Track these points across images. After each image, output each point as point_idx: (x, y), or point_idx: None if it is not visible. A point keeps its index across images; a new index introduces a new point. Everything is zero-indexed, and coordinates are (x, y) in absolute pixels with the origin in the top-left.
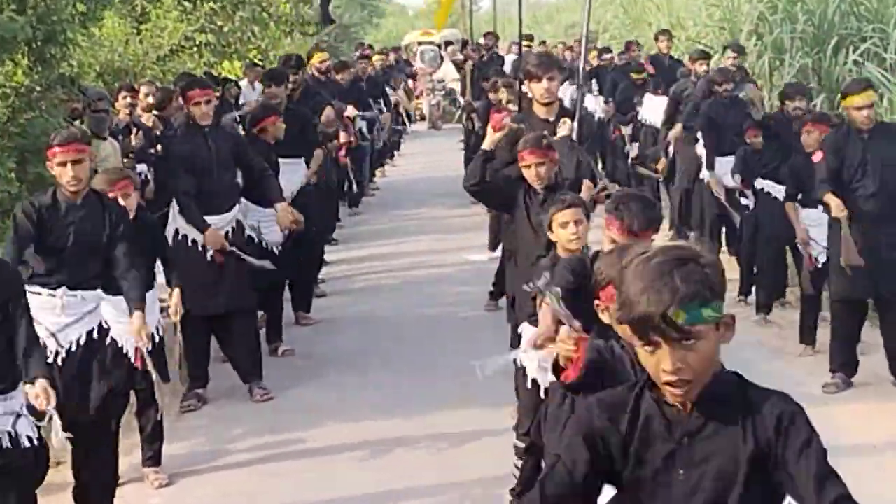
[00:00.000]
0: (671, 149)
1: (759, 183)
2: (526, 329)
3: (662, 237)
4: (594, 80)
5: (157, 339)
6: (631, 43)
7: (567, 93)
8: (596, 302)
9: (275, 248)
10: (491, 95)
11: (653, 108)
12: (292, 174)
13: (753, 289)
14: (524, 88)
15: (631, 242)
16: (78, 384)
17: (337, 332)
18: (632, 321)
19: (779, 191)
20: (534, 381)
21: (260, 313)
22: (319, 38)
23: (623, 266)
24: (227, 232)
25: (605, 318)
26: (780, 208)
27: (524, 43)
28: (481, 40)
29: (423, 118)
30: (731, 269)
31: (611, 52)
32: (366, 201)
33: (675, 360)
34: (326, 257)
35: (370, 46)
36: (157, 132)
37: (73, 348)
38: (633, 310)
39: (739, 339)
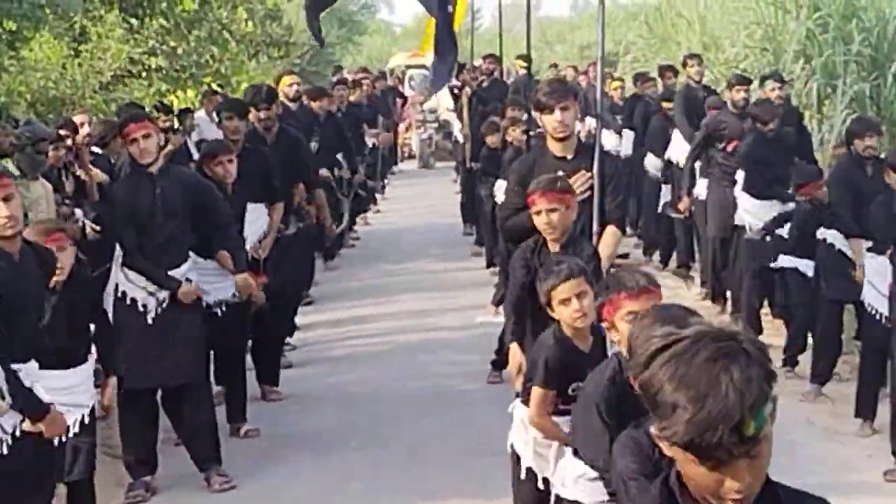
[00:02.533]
0: (701, 188)
1: (822, 233)
2: (518, 409)
3: (694, 296)
4: (615, 116)
5: (87, 420)
6: (667, 69)
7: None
8: (603, 318)
9: (218, 309)
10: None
11: (682, 147)
12: (254, 223)
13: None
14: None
15: (646, 305)
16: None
17: (310, 409)
18: (690, 443)
19: (844, 244)
20: (529, 471)
21: (218, 387)
22: (290, 62)
23: (645, 366)
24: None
25: (612, 337)
26: (845, 263)
27: (520, 64)
28: (478, 63)
29: (412, 155)
30: (775, 333)
31: (652, 79)
32: (345, 254)
33: (745, 475)
34: (298, 320)
35: (339, 68)
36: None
37: (18, 433)
38: (687, 428)
39: (786, 417)
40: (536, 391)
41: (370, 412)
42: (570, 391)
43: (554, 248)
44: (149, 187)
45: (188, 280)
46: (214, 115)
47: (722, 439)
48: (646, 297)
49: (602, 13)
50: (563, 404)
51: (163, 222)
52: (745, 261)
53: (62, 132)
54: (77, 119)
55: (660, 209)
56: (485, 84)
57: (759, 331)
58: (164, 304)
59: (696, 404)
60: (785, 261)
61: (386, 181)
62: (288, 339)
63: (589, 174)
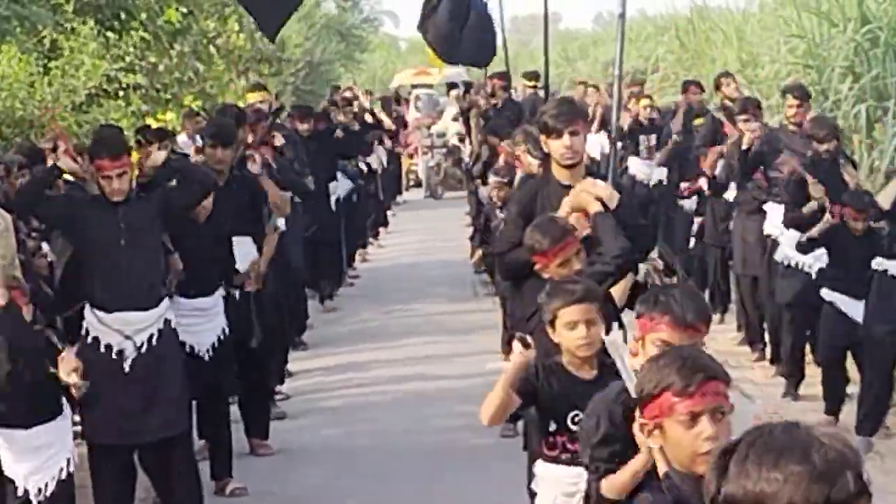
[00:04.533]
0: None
1: (878, 263)
2: (540, 468)
3: (729, 341)
4: (642, 137)
5: (64, 475)
6: (691, 84)
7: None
8: (641, 421)
9: (205, 354)
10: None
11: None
12: (238, 257)
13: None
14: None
15: (684, 341)
16: None
17: (302, 465)
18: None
19: None
20: None
21: (202, 441)
22: (283, 79)
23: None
24: (151, 335)
25: (652, 441)
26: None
27: (529, 83)
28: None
29: (418, 184)
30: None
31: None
32: (343, 293)
33: None
34: (291, 367)
35: (336, 87)
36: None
37: None
38: (808, 488)
39: None
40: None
41: (369, 469)
42: (572, 420)
43: None
44: (113, 219)
45: (168, 323)
46: (198, 139)
47: (850, 486)
48: (691, 332)
49: (622, 27)
50: (570, 443)
51: (130, 256)
52: (782, 296)
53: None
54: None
55: (691, 244)
56: (498, 105)
57: (801, 378)
58: (143, 349)
59: (806, 464)
60: (824, 294)
61: (389, 212)
62: (279, 388)
63: (602, 184)
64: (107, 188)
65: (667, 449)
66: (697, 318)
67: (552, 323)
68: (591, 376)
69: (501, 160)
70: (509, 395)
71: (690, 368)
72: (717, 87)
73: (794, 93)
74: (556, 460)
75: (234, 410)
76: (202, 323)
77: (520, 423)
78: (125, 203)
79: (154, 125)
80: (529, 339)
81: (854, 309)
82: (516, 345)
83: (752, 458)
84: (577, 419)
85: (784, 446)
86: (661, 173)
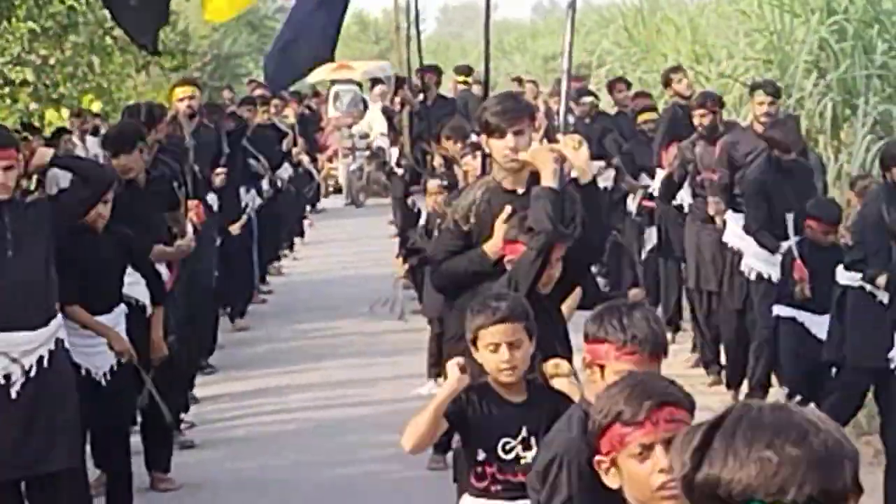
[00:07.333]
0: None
1: (847, 278)
2: (467, 502)
3: (682, 363)
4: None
5: None
6: (618, 82)
7: None
8: (597, 458)
9: (101, 378)
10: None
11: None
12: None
13: None
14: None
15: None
16: None
17: (210, 500)
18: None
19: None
20: None
21: (97, 472)
22: (188, 74)
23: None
24: (40, 357)
25: (610, 480)
26: (871, 322)
27: (460, 79)
28: (415, 79)
29: (338, 190)
30: None
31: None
32: (254, 311)
33: None
34: (197, 392)
35: (252, 82)
36: None
37: None
38: (808, 472)
39: None
40: None
41: None
42: (503, 448)
43: None
44: None
45: (59, 343)
46: (88, 138)
47: (846, 478)
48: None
49: (572, 18)
50: (501, 474)
51: (11, 266)
52: (763, 319)
53: None
54: None
55: (643, 255)
56: (428, 103)
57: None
58: (32, 374)
59: (804, 447)
60: (782, 310)
61: (306, 221)
62: (184, 416)
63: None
64: None
65: (626, 490)
66: (655, 347)
67: (474, 342)
68: (521, 399)
69: (438, 162)
70: (438, 420)
71: (639, 394)
72: (667, 83)
73: (767, 89)
74: (485, 493)
75: (136, 441)
76: (99, 344)
77: (449, 455)
78: (11, 209)
79: (50, 124)
80: (463, 361)
81: (819, 327)
82: (452, 367)
83: (740, 434)
84: (507, 447)
85: (778, 425)
86: (605, 179)
